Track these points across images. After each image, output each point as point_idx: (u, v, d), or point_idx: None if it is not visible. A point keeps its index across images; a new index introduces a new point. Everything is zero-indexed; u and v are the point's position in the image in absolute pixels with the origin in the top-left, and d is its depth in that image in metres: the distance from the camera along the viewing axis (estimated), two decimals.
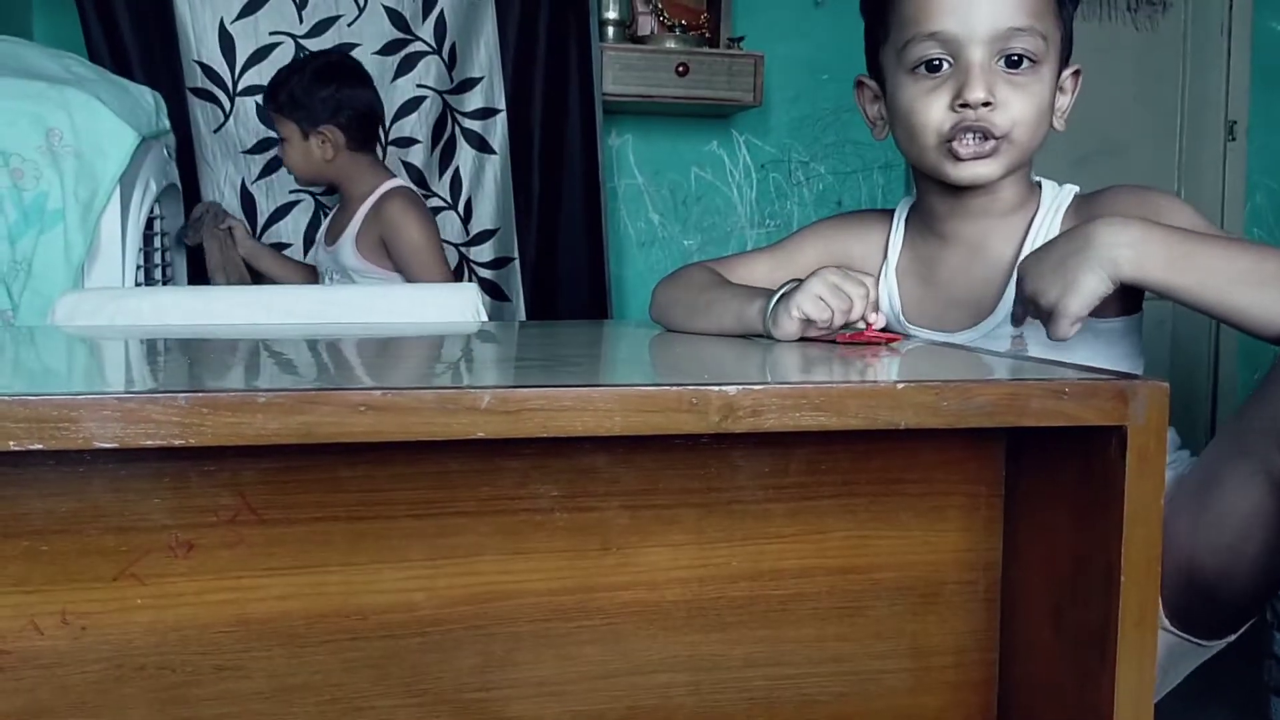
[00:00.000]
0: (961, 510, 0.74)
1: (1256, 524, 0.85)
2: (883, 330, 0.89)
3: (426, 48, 2.27)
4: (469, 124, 2.32)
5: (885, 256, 1.13)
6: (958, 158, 0.98)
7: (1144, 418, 0.59)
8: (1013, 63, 0.97)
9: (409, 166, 2.29)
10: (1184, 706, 1.16)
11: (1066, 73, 1.03)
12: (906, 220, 1.13)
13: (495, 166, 2.34)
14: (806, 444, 0.72)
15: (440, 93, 2.29)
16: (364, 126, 2.00)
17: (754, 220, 2.68)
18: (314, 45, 2.18)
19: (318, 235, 2.16)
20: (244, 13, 2.16)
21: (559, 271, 2.40)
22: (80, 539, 0.64)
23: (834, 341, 0.89)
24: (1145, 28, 2.85)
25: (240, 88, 2.17)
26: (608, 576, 0.71)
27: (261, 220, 2.25)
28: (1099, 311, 0.88)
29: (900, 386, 0.59)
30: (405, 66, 2.26)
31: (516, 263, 2.37)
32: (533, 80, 2.32)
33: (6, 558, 0.63)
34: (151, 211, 1.70)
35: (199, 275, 2.05)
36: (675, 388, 0.56)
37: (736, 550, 0.72)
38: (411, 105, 2.27)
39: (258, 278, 2.10)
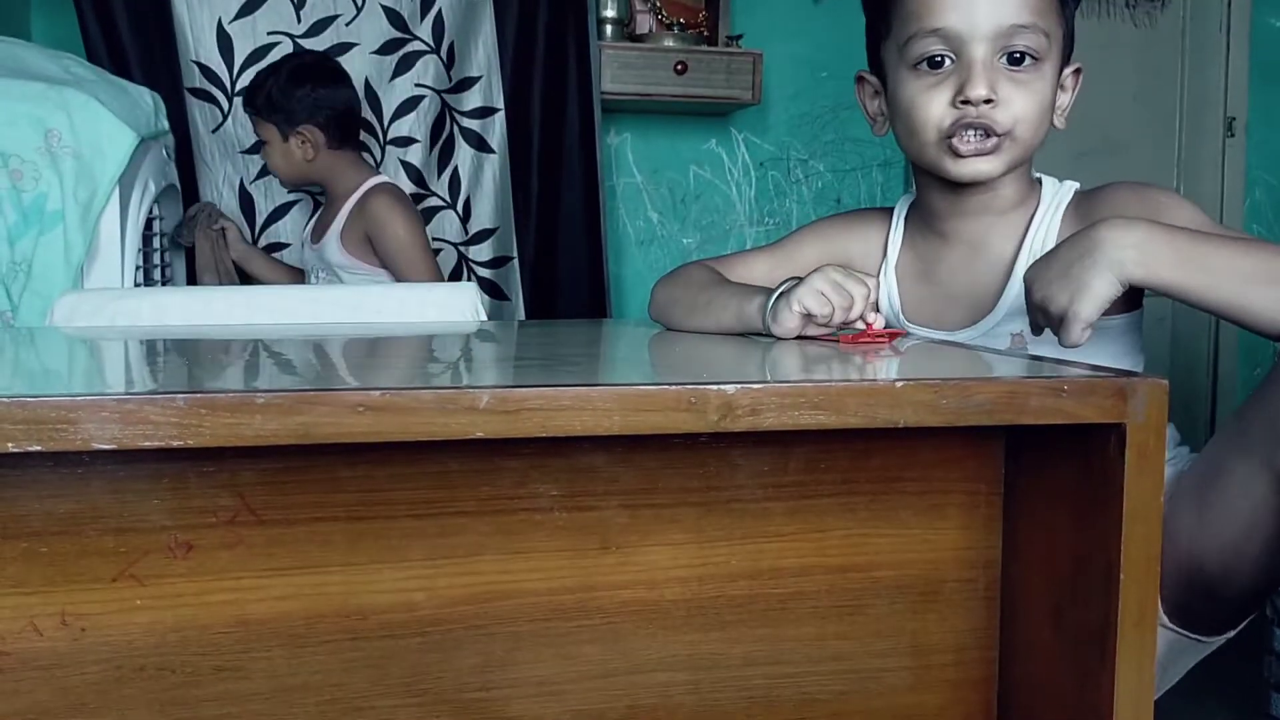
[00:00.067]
0: (961, 508, 0.74)
1: (1257, 521, 0.85)
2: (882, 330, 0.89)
3: (425, 47, 2.26)
4: (467, 123, 2.31)
5: (885, 255, 1.13)
6: (958, 154, 0.98)
7: (1143, 415, 0.59)
8: (1015, 60, 0.96)
9: (407, 166, 2.28)
10: (1184, 703, 1.16)
11: (1067, 71, 1.03)
12: (906, 218, 1.13)
13: (494, 165, 2.33)
14: (806, 443, 0.72)
15: (439, 92, 2.29)
16: (343, 125, 2.00)
17: (753, 218, 2.68)
18: (312, 45, 2.18)
19: (303, 233, 2.16)
20: (242, 13, 2.15)
21: (558, 270, 2.39)
22: (79, 540, 0.63)
23: (834, 340, 0.89)
24: (1144, 24, 2.85)
25: (238, 88, 2.16)
26: (607, 576, 0.71)
27: (260, 220, 2.25)
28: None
29: (899, 385, 0.59)
30: (404, 66, 2.26)
31: (515, 262, 2.37)
32: (531, 79, 2.32)
33: (5, 559, 0.63)
34: (150, 212, 1.70)
35: (196, 276, 2.05)
36: (674, 387, 0.56)
37: (736, 549, 0.72)
38: (410, 104, 2.27)
39: (247, 280, 2.10)
